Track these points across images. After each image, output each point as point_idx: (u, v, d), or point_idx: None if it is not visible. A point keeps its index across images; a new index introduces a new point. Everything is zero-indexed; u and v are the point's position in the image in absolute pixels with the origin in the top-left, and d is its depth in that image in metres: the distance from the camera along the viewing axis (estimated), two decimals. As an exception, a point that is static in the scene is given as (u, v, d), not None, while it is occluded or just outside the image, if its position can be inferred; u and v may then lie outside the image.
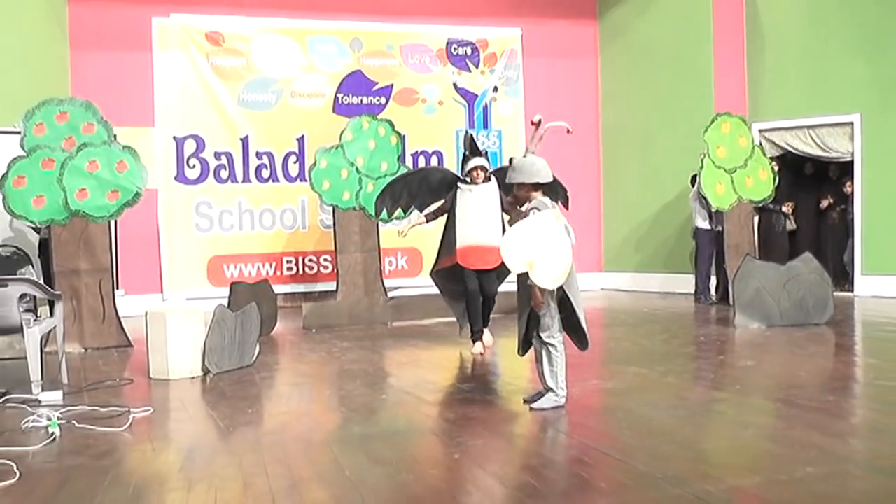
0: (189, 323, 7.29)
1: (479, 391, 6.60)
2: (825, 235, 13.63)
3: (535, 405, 5.70)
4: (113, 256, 9.55)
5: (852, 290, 12.44)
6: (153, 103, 12.79)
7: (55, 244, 9.01)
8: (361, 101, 13.69)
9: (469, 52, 14.32)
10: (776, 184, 11.44)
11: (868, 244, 12.37)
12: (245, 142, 13.18)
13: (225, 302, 8.91)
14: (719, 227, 11.80)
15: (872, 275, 12.29)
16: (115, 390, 6.80)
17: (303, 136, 13.35)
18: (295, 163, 13.35)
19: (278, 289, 11.68)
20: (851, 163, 12.52)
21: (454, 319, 9.21)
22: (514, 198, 6.00)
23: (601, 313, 11.89)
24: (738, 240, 11.27)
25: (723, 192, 11.16)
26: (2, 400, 6.27)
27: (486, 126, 14.37)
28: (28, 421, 5.54)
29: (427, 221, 8.62)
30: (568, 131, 6.66)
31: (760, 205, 11.68)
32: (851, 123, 12.40)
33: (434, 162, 13.86)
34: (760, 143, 12.38)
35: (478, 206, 8.01)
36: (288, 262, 13.38)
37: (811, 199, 13.80)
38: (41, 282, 7.89)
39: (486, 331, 8.35)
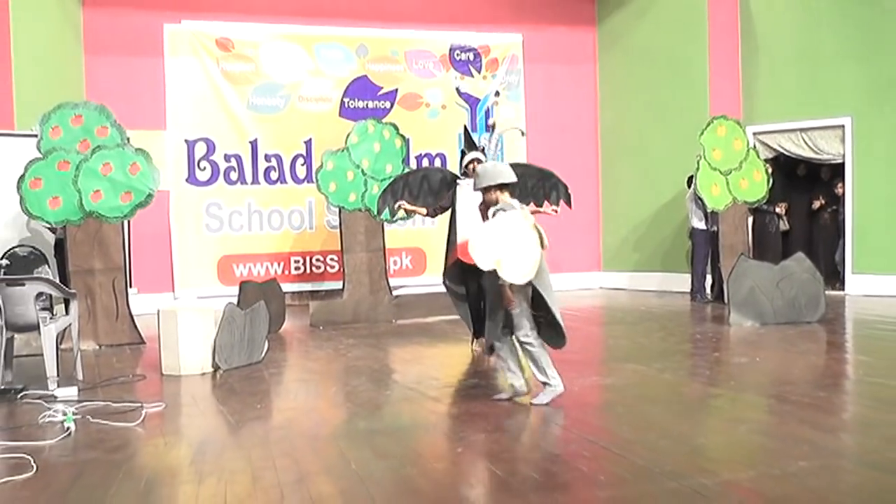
0: (200, 321, 7.29)
1: (481, 387, 6.60)
2: (817, 235, 13.62)
3: (535, 400, 5.72)
4: (126, 256, 9.54)
5: (843, 289, 12.42)
6: (165, 107, 12.80)
7: (70, 244, 9.02)
8: (367, 105, 13.69)
9: (471, 57, 14.33)
10: (770, 185, 11.44)
11: (859, 244, 12.36)
12: (254, 145, 13.19)
13: (234, 300, 8.91)
14: (715, 228, 11.80)
15: (863, 274, 12.27)
16: (128, 386, 6.81)
17: (310, 140, 13.36)
18: (302, 165, 13.36)
19: (286, 287, 11.70)
20: (842, 165, 12.51)
21: (458, 317, 9.24)
22: (484, 202, 5.97)
23: (600, 312, 11.90)
24: (732, 240, 11.27)
25: (718, 194, 11.16)
26: (19, 395, 6.29)
27: (487, 129, 14.34)
28: (44, 416, 5.56)
29: (426, 214, 8.46)
30: (522, 133, 6.76)
31: (754, 206, 11.68)
32: (842, 126, 12.38)
33: (437, 164, 13.86)
34: (755, 146, 12.38)
35: (475, 201, 7.54)
36: (295, 261, 13.39)
37: (804, 200, 13.79)
38: (57, 281, 7.90)
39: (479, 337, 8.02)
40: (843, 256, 12.62)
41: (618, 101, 14.73)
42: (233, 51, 13.12)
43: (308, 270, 13.45)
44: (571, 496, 3.81)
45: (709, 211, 11.65)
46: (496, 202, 5.77)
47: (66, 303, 7.34)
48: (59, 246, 9.51)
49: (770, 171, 11.63)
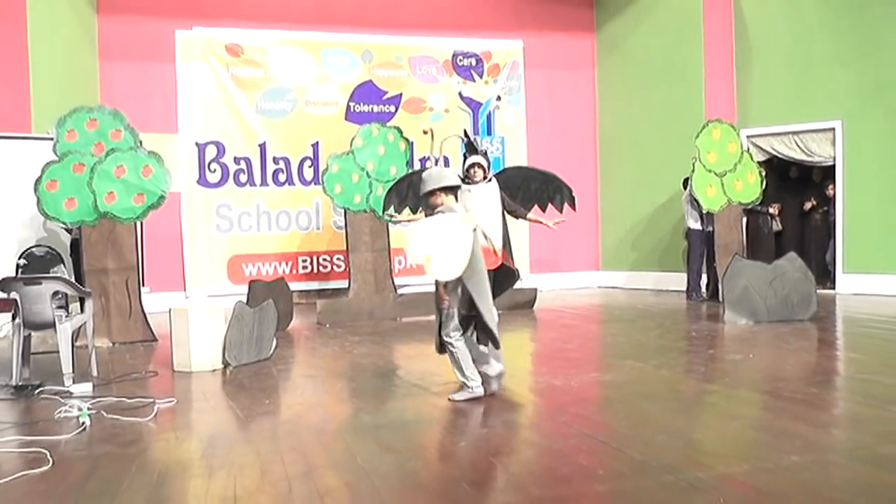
0: (210, 319, 7.30)
1: (484, 384, 6.60)
2: (809, 236, 13.62)
3: (451, 396, 5.85)
4: (139, 256, 9.54)
5: (834, 288, 12.42)
6: (176, 111, 12.80)
7: (85, 244, 9.02)
8: (372, 109, 13.69)
9: (474, 63, 14.32)
10: (763, 187, 11.44)
11: (849, 244, 12.36)
12: (263, 148, 13.19)
13: (244, 299, 8.92)
14: (710, 228, 11.78)
15: (853, 273, 12.27)
16: (141, 382, 6.82)
17: (317, 143, 13.36)
18: (310, 167, 13.36)
19: (294, 286, 11.69)
20: (833, 167, 12.51)
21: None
22: (429, 205, 6.04)
23: (598, 310, 11.89)
24: (727, 240, 11.27)
25: (713, 195, 11.16)
26: (36, 391, 6.30)
27: (489, 133, 14.37)
28: (60, 411, 5.57)
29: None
30: (463, 141, 6.79)
31: (748, 207, 11.68)
32: (833, 129, 12.38)
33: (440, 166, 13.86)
34: (748, 149, 12.38)
35: (477, 206, 7.46)
36: (303, 261, 13.40)
37: (796, 201, 13.80)
38: (72, 280, 7.91)
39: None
40: (833, 256, 12.63)
41: (616, 105, 14.73)
42: (242, 56, 13.12)
43: (315, 270, 13.45)
44: (571, 489, 3.81)
45: (704, 212, 11.63)
46: (440, 205, 5.87)
47: (82, 301, 7.36)
48: (75, 246, 9.53)
49: (763, 173, 11.63)
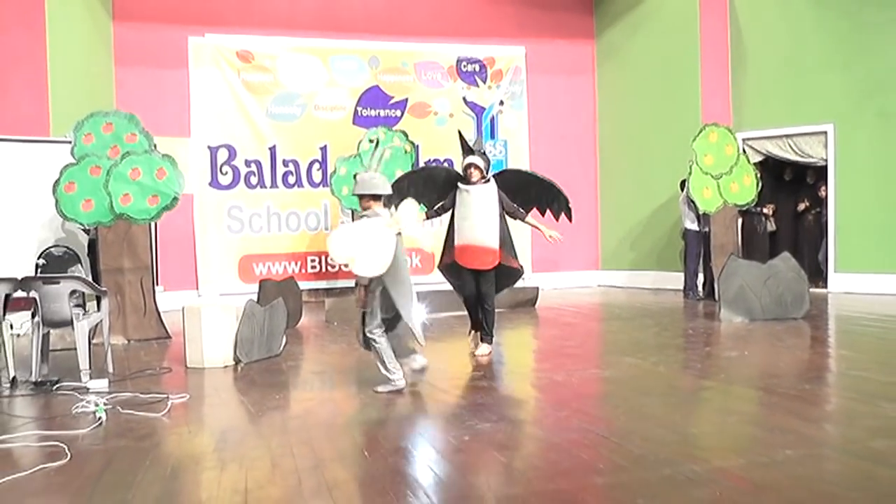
0: (222, 317, 7.30)
1: (487, 379, 6.61)
2: (802, 236, 13.61)
3: (376, 389, 6.06)
4: (153, 256, 9.56)
5: (826, 287, 12.41)
6: (189, 115, 12.81)
7: (101, 245, 9.03)
8: (379, 113, 13.69)
9: (477, 68, 14.32)
10: (759, 189, 11.43)
11: (840, 244, 12.35)
12: (273, 151, 13.20)
13: (254, 297, 8.92)
14: (706, 229, 11.78)
15: (844, 272, 12.26)
16: (155, 378, 6.83)
17: (325, 146, 13.36)
18: (318, 170, 13.36)
19: (303, 285, 11.70)
20: (825, 168, 12.50)
21: (465, 313, 9.20)
22: (361, 206, 6.23)
23: (598, 308, 11.89)
24: (723, 240, 11.27)
25: (710, 197, 11.15)
26: (54, 387, 6.31)
27: (492, 136, 14.37)
28: (77, 406, 5.59)
29: (427, 218, 8.01)
30: (406, 151, 6.84)
31: (744, 208, 11.67)
32: (825, 132, 12.38)
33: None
34: (744, 151, 12.37)
35: (474, 206, 7.39)
36: (312, 260, 13.40)
37: (790, 202, 13.79)
38: (89, 279, 7.92)
39: (483, 344, 7.69)
40: (825, 256, 12.62)
41: (615, 110, 14.72)
42: (253, 62, 13.13)
43: (323, 269, 13.45)
44: (572, 482, 3.81)
45: (701, 213, 11.63)
46: (368, 208, 6.09)
47: (98, 300, 7.36)
48: (92, 246, 9.54)
49: (759, 175, 11.62)
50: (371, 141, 7.35)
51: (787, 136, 12.73)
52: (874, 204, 11.98)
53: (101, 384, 6.38)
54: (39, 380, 6.49)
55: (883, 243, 11.90)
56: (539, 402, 5.74)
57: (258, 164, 13.12)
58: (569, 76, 14.87)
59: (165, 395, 5.90)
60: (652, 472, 3.90)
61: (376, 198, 6.12)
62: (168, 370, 7.18)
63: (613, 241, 14.81)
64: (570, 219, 7.89)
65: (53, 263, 9.17)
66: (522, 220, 7.66)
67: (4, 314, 6.63)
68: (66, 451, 4.45)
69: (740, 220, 12.15)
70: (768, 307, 9.31)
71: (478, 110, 14.31)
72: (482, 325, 7.71)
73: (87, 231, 9.62)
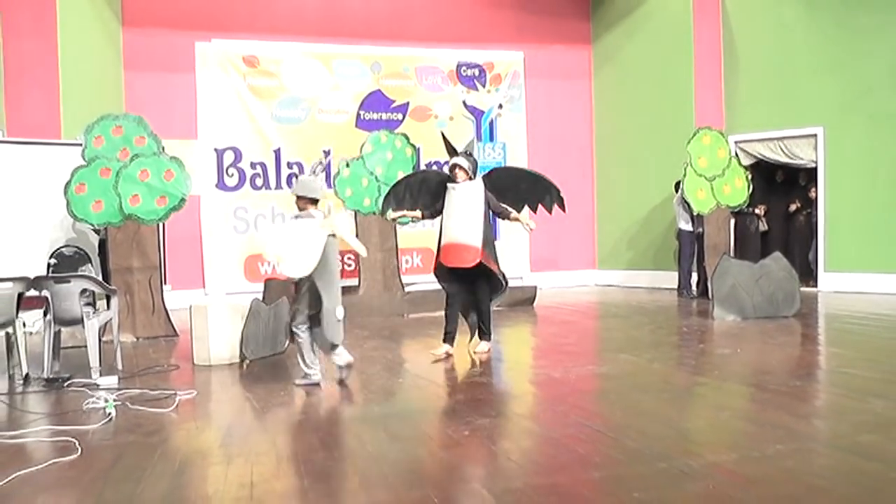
0: (228, 315, 7.31)
1: (486, 376, 6.61)
2: (793, 236, 13.60)
3: (295, 381, 6.26)
4: (161, 255, 9.55)
5: (816, 286, 12.42)
6: (196, 119, 12.82)
7: (111, 245, 9.04)
8: (381, 117, 13.70)
9: (477, 73, 14.32)
10: (750, 191, 11.43)
11: (830, 244, 12.36)
12: (277, 153, 13.20)
13: (260, 296, 8.93)
14: (700, 229, 11.78)
15: (834, 272, 12.28)
16: (163, 375, 6.83)
17: (329, 149, 13.37)
18: (322, 172, 13.34)
19: (307, 284, 11.69)
20: (815, 170, 12.51)
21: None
22: (298, 206, 6.37)
23: (595, 306, 11.89)
24: (716, 241, 11.27)
25: (703, 198, 11.15)
26: (66, 384, 6.32)
27: (492, 139, 14.37)
28: (88, 402, 5.60)
29: (422, 217, 7.86)
30: (347, 164, 7.04)
31: (736, 210, 11.67)
32: (815, 135, 12.40)
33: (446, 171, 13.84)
34: (736, 154, 12.39)
35: (459, 205, 7.22)
36: (316, 259, 13.39)
37: (781, 203, 13.79)
38: (99, 278, 7.92)
39: (482, 342, 7.59)
40: (815, 255, 12.62)
41: (611, 113, 14.73)
42: (258, 67, 13.14)
43: (327, 268, 13.44)
44: (569, 476, 3.82)
45: (694, 214, 11.62)
46: (303, 209, 6.26)
47: (108, 299, 7.37)
48: (102, 246, 9.54)
49: (750, 177, 11.62)
50: (325, 152, 7.46)
51: (778, 138, 12.75)
52: (863, 205, 11.99)
53: (111, 381, 6.39)
54: (51, 376, 6.49)
55: (871, 243, 11.90)
56: (537, 398, 5.74)
57: (263, 166, 13.13)
58: (566, 80, 14.88)
59: (173, 392, 5.91)
60: (647, 466, 3.90)
61: (313, 201, 6.28)
62: (176, 367, 7.17)
63: (610, 241, 14.81)
64: (563, 209, 7.65)
65: (65, 263, 9.17)
66: (508, 218, 7.44)
67: (18, 312, 6.64)
68: (77, 445, 4.45)
69: (733, 221, 12.16)
70: (760, 306, 9.31)
71: (477, 114, 14.31)
72: (479, 325, 7.59)
73: (97, 231, 9.62)
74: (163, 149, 9.22)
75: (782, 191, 13.93)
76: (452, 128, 13.97)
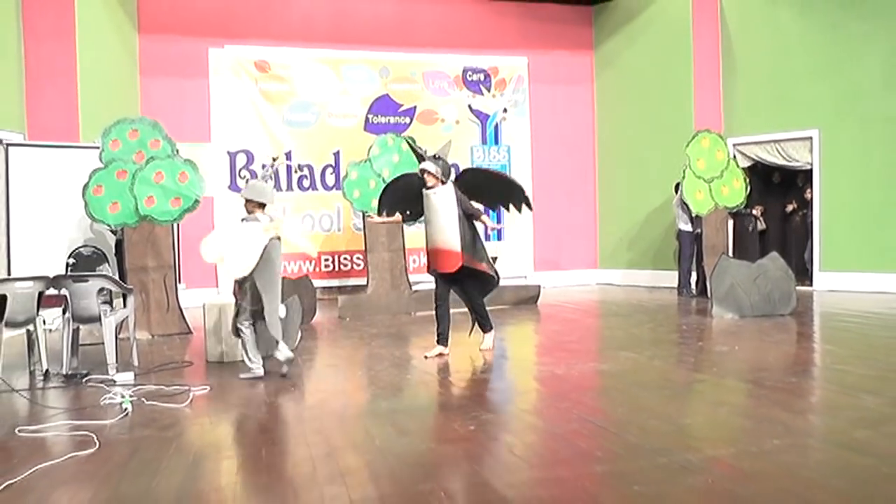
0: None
1: (491, 373, 6.62)
2: (790, 236, 13.60)
3: (240, 375, 6.43)
4: (175, 255, 9.57)
5: (812, 285, 12.40)
6: (210, 122, 12.84)
7: (127, 245, 9.06)
8: (389, 120, 13.70)
9: (482, 78, 14.32)
10: (748, 192, 11.42)
11: (825, 244, 12.34)
12: (288, 156, 13.22)
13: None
14: (699, 230, 11.75)
15: (829, 271, 12.26)
16: (177, 371, 6.85)
17: (338, 151, 13.38)
18: (331, 174, 13.38)
19: (317, 283, 11.72)
20: (811, 172, 12.49)
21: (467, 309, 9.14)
22: (246, 209, 6.53)
23: (597, 305, 11.88)
24: (714, 241, 11.24)
25: (702, 199, 11.13)
26: (84, 380, 6.34)
27: (496, 142, 14.37)
28: (105, 398, 5.62)
29: (403, 221, 7.85)
30: (292, 169, 7.24)
31: (734, 210, 11.66)
32: (811, 137, 12.38)
33: (452, 174, 13.84)
34: (735, 156, 12.37)
35: (434, 210, 7.08)
36: (325, 260, 13.42)
37: (778, 204, 13.78)
38: (116, 278, 7.95)
39: (486, 337, 7.50)
40: (811, 255, 12.60)
41: (612, 117, 14.71)
42: (269, 72, 13.16)
43: (336, 268, 13.48)
44: (572, 470, 3.82)
45: (693, 215, 11.60)
46: (253, 211, 6.45)
47: (124, 297, 7.39)
48: (118, 246, 9.57)
49: (748, 179, 11.60)
50: (274, 159, 7.48)
51: (774, 141, 12.73)
52: (857, 206, 11.98)
53: (128, 377, 6.41)
54: (70, 373, 6.53)
55: (865, 244, 11.88)
56: (540, 394, 5.74)
57: (275, 168, 13.14)
58: (569, 85, 14.87)
59: (187, 388, 5.93)
60: (648, 460, 3.90)
61: (261, 205, 6.46)
62: (190, 364, 7.20)
63: (611, 242, 14.80)
64: (529, 207, 7.39)
65: (82, 263, 9.20)
66: (478, 219, 7.22)
67: (38, 311, 6.67)
68: (95, 440, 4.48)
69: (732, 222, 12.14)
70: (757, 304, 9.30)
71: (482, 117, 14.31)
72: (478, 323, 7.48)
73: (113, 232, 9.65)
74: (177, 151, 9.24)
75: (779, 192, 13.93)
76: (458, 131, 14.00)
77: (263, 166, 7.23)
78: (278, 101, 13.20)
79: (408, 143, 7.63)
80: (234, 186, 12.87)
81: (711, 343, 7.81)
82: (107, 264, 9.24)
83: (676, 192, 12.25)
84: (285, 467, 3.99)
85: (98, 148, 9.08)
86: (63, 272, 8.82)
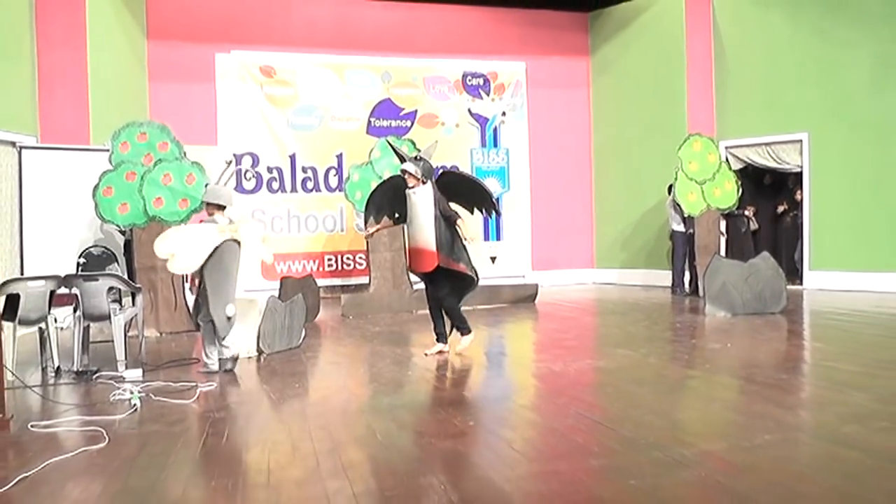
0: (246, 311, 7.31)
1: (490, 369, 6.62)
2: (780, 236, 13.61)
3: (198, 369, 6.62)
4: (184, 255, 9.56)
5: (802, 284, 12.40)
6: (216, 125, 12.83)
7: (136, 245, 9.06)
8: (390, 124, 13.69)
9: (481, 82, 14.31)
10: (739, 194, 11.42)
11: (815, 244, 12.34)
12: (293, 158, 13.22)
13: (276, 293, 8.94)
14: (691, 230, 11.77)
15: (818, 270, 12.26)
16: (185, 368, 6.85)
17: (341, 154, 13.37)
18: (334, 176, 13.37)
19: (321, 282, 11.71)
20: (801, 174, 12.49)
21: (470, 308, 9.13)
22: (206, 212, 6.73)
23: (593, 303, 11.88)
24: (706, 241, 11.25)
25: (694, 200, 11.13)
26: (94, 376, 6.34)
27: (495, 145, 14.36)
28: (115, 394, 5.62)
29: (394, 224, 7.67)
30: (246, 175, 7.44)
31: (726, 212, 11.66)
32: (801, 140, 12.38)
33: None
34: (727, 159, 12.38)
35: (414, 210, 7.00)
36: (329, 259, 13.42)
37: (769, 205, 13.78)
38: (125, 277, 7.95)
39: (461, 337, 7.24)
40: (801, 255, 12.61)
41: (608, 120, 14.71)
42: (274, 77, 13.15)
43: (339, 267, 13.47)
44: (569, 464, 3.82)
45: (686, 216, 11.62)
46: (212, 213, 6.64)
47: (133, 296, 7.40)
48: (127, 246, 9.56)
49: (739, 181, 11.61)
50: (227, 163, 7.53)
51: (765, 144, 12.74)
52: (845, 207, 11.98)
53: (136, 373, 6.42)
54: (81, 369, 6.52)
55: (853, 244, 11.89)
56: (538, 390, 5.74)
57: (279, 170, 13.14)
58: (566, 89, 14.86)
59: (194, 384, 5.94)
60: (643, 454, 3.90)
61: (220, 207, 6.65)
62: (196, 361, 7.17)
63: (607, 242, 14.80)
64: (497, 213, 7.35)
65: (93, 262, 9.19)
66: (454, 223, 7.02)
67: (50, 309, 6.67)
68: (105, 435, 4.48)
69: (724, 223, 12.14)
70: (749, 303, 9.31)
71: (482, 121, 14.31)
72: (455, 326, 7.28)
73: (123, 232, 9.64)
74: (184, 154, 9.24)
75: (770, 193, 13.94)
76: (458, 134, 14.02)
77: (229, 163, 7.34)
78: (283, 104, 13.20)
79: (389, 144, 7.59)
80: (239, 188, 12.86)
81: (704, 340, 7.82)
82: (116, 264, 9.23)
83: (669, 193, 12.26)
84: (290, 461, 3.99)
85: (108, 150, 9.08)
86: (74, 272, 8.82)
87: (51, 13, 9.98)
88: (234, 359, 6.59)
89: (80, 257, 9.25)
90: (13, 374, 5.91)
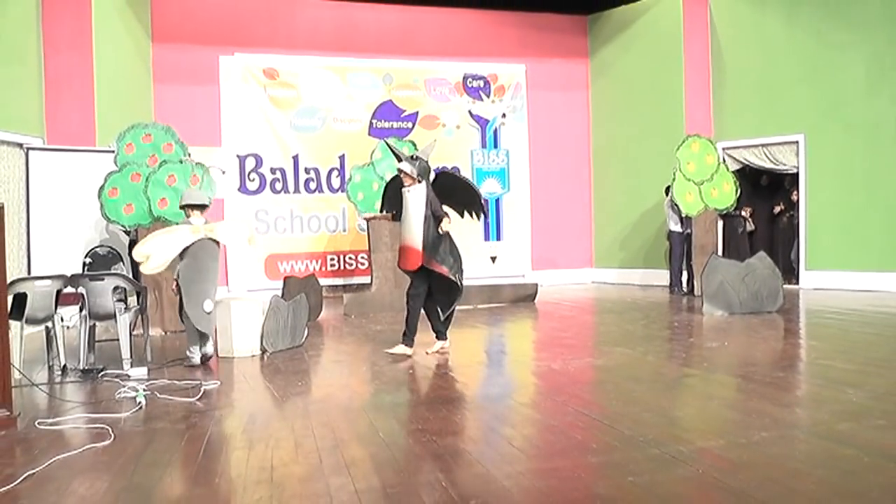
0: (250, 310, 7.33)
1: (490, 367, 6.62)
2: (777, 236, 13.59)
3: (183, 363, 6.82)
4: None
5: (798, 283, 12.40)
6: (220, 127, 12.85)
7: (141, 245, 9.06)
8: (392, 125, 13.70)
9: (482, 84, 14.32)
10: (737, 195, 11.42)
11: (811, 244, 12.34)
12: (296, 159, 13.22)
13: (279, 293, 8.94)
14: (689, 231, 11.77)
15: (814, 270, 12.26)
16: (189, 367, 6.84)
17: (343, 155, 13.38)
18: (337, 177, 13.37)
19: (323, 282, 11.73)
20: (797, 174, 12.49)
21: (470, 307, 9.09)
22: (186, 213, 7.05)
23: (592, 302, 11.88)
24: (703, 241, 11.26)
25: (692, 201, 11.14)
26: (100, 375, 6.35)
27: (495, 146, 14.37)
28: (120, 392, 5.63)
29: (393, 219, 7.68)
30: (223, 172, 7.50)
31: (724, 212, 11.66)
32: (797, 142, 12.38)
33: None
34: (724, 160, 12.38)
35: (408, 209, 7.00)
36: (331, 259, 13.42)
37: (766, 205, 13.77)
38: (130, 276, 7.95)
39: (438, 341, 7.25)
40: (797, 255, 12.60)
41: (607, 122, 14.71)
42: (278, 79, 13.16)
43: (342, 267, 13.48)
44: (568, 460, 3.82)
45: (684, 216, 11.62)
46: (189, 215, 6.93)
47: (138, 295, 7.40)
48: (133, 246, 9.56)
49: (737, 182, 11.61)
50: (222, 172, 7.81)
51: (762, 145, 12.74)
52: (841, 207, 11.98)
53: (141, 372, 6.42)
54: (87, 368, 6.53)
55: (849, 243, 11.89)
56: (538, 388, 5.74)
57: (282, 171, 13.15)
58: (565, 91, 14.87)
59: (199, 382, 5.94)
60: (641, 451, 3.90)
61: (201, 208, 6.94)
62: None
63: (605, 242, 14.80)
64: (485, 215, 7.35)
65: (98, 262, 9.20)
66: (439, 222, 6.93)
67: (57, 308, 6.67)
68: (111, 432, 4.48)
69: (721, 223, 12.15)
70: (746, 302, 9.30)
71: (482, 122, 14.31)
72: (433, 328, 7.26)
73: (128, 232, 9.64)
74: (189, 155, 9.24)
75: (767, 194, 13.93)
76: (459, 135, 14.03)
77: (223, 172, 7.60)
78: (286, 106, 13.20)
79: (387, 144, 7.63)
80: (243, 189, 12.88)
81: (702, 339, 7.81)
82: (121, 263, 9.24)
83: (667, 194, 12.26)
84: (293, 458, 3.99)
85: (113, 152, 9.09)
86: (80, 271, 8.83)
87: (57, 17, 9.99)
88: (206, 357, 6.92)
89: (86, 257, 9.26)
90: (20, 372, 5.91)
